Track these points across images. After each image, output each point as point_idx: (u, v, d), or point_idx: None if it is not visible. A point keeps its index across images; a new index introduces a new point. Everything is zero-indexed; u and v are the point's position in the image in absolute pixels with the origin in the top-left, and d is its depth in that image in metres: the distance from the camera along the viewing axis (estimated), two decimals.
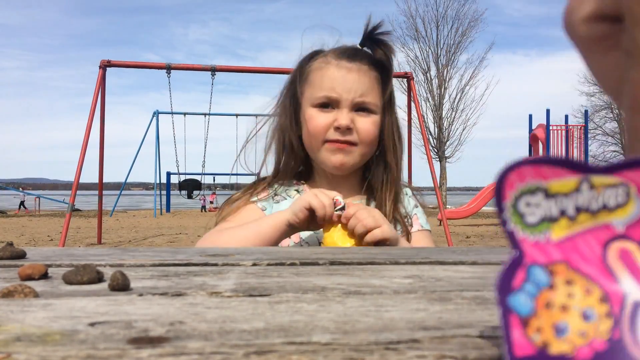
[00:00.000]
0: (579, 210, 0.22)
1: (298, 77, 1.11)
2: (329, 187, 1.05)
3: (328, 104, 1.07)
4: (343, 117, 1.05)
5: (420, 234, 1.11)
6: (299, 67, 1.13)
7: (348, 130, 1.05)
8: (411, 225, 1.11)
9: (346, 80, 1.05)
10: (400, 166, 1.14)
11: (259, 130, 1.17)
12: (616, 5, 0.28)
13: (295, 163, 1.13)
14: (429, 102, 26.19)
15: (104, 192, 8.98)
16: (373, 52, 1.12)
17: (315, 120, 1.06)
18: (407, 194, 1.18)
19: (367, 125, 1.07)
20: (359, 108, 1.07)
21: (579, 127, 15.38)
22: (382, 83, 1.10)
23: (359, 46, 1.13)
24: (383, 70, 1.11)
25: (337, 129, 1.05)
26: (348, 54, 1.09)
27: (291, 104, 1.12)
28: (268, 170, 1.15)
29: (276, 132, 1.14)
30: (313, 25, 1.18)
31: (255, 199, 1.11)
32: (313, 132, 1.07)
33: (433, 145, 25.06)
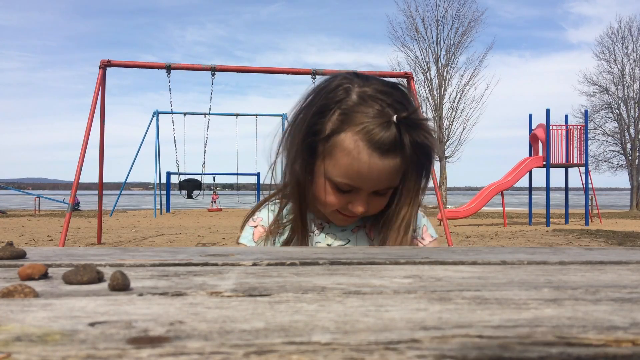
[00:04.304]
0: None
1: (318, 130, 0.95)
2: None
3: (347, 190, 0.97)
4: (358, 205, 0.97)
5: (433, 245, 1.09)
6: (323, 119, 0.94)
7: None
8: (423, 239, 1.08)
9: (372, 172, 0.93)
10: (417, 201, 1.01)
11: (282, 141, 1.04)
12: None
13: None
14: (429, 102, 26.21)
15: (104, 192, 8.98)
16: (411, 138, 0.91)
17: (329, 197, 0.97)
18: None
19: (379, 203, 0.99)
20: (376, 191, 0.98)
21: (579, 127, 15.37)
22: (412, 168, 0.97)
23: (394, 128, 0.91)
24: (418, 160, 0.95)
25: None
26: (384, 148, 0.91)
27: (305, 155, 0.97)
28: (277, 175, 1.06)
29: (288, 173, 1.01)
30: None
31: (252, 230, 1.07)
32: (323, 204, 0.99)
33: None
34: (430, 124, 0.94)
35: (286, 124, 1.05)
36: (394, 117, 0.90)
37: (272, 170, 1.05)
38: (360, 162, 0.91)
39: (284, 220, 1.05)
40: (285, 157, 1.02)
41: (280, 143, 1.03)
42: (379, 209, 1.00)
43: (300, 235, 1.02)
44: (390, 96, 0.93)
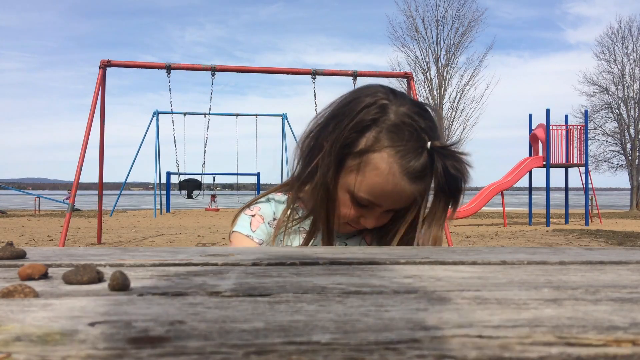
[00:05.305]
0: None
1: (349, 143, 0.94)
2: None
3: (365, 205, 0.97)
4: (371, 220, 0.98)
5: None
6: (360, 135, 0.94)
7: None
8: None
9: (395, 197, 0.94)
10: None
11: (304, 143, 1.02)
12: None
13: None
14: (429, 102, 26.21)
15: (104, 192, 8.98)
16: (443, 169, 0.92)
17: (345, 209, 0.98)
18: None
19: (387, 218, 1.00)
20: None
21: (579, 127, 15.38)
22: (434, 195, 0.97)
23: (427, 155, 0.92)
24: (447, 194, 0.96)
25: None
26: (414, 175, 0.92)
27: (334, 164, 0.96)
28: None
29: (317, 187, 0.98)
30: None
31: (249, 219, 1.04)
32: (337, 214, 0.99)
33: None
34: (467, 158, 0.94)
35: (310, 124, 1.03)
36: (428, 144, 0.92)
37: (291, 168, 1.04)
38: (389, 184, 0.92)
39: (297, 217, 1.03)
40: (306, 157, 1.00)
41: (302, 142, 1.02)
42: (386, 222, 1.00)
43: (326, 237, 1.01)
44: (424, 119, 0.95)
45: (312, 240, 1.02)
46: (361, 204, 0.96)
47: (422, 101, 1.02)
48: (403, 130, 0.92)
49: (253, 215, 1.05)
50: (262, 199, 1.09)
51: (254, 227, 1.03)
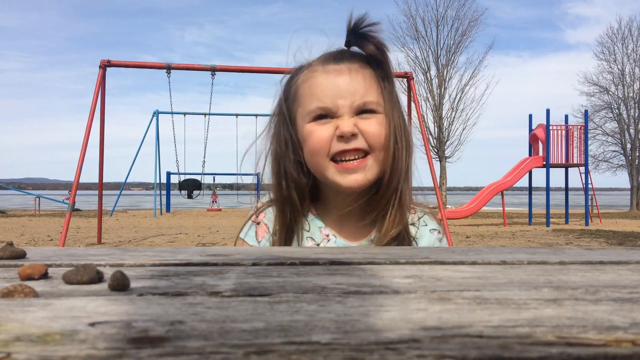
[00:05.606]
0: None
1: (285, 97, 1.01)
2: (342, 208, 0.98)
3: (325, 115, 0.95)
4: (344, 123, 0.93)
5: None
6: (286, 86, 1.03)
7: (353, 136, 0.93)
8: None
9: (337, 85, 0.94)
10: (409, 174, 0.99)
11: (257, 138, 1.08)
12: None
13: (298, 190, 0.99)
14: (429, 102, 26.22)
15: (104, 192, 8.98)
16: (362, 48, 0.98)
17: (315, 134, 0.95)
18: (425, 224, 1.04)
19: (372, 126, 0.94)
20: (361, 111, 0.95)
21: (579, 127, 15.38)
22: (381, 79, 0.97)
23: (345, 47, 1.01)
24: (378, 65, 0.97)
25: (341, 137, 0.93)
26: (334, 56, 0.98)
27: (283, 128, 1.00)
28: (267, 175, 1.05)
29: (272, 162, 1.02)
30: (299, 28, 1.08)
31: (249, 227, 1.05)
32: (315, 148, 0.95)
33: (433, 145, 25.07)
34: (377, 29, 0.98)
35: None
36: (344, 45, 1.01)
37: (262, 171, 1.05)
38: (317, 77, 0.97)
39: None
40: (270, 150, 1.03)
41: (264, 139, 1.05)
42: (376, 136, 0.94)
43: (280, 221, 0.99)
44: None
45: (295, 238, 1.00)
46: (322, 117, 0.95)
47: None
48: (320, 56, 1.01)
49: (258, 224, 1.04)
50: (267, 204, 1.07)
51: (259, 237, 1.03)
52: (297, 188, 0.99)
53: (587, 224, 14.85)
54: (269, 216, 1.04)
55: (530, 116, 15.69)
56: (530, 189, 15.99)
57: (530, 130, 15.48)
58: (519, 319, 0.31)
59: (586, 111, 17.35)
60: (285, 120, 1.00)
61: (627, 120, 28.12)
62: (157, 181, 19.79)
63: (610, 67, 28.57)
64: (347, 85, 0.94)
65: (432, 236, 1.03)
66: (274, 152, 1.02)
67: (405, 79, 8.60)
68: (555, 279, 0.46)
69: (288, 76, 1.05)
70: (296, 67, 1.04)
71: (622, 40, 28.32)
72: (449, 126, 26.02)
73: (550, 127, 14.65)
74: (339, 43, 1.03)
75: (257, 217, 1.05)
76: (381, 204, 0.97)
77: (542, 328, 0.29)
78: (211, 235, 10.55)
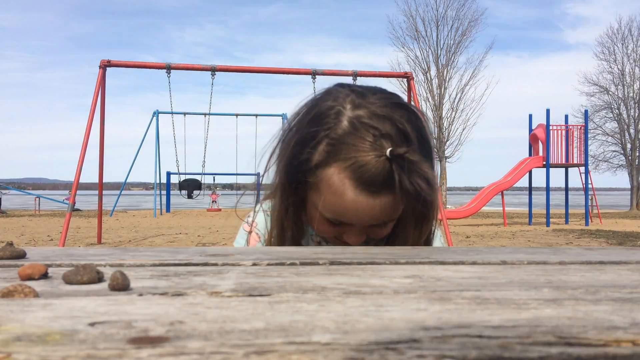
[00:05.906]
0: None
1: (305, 168, 0.84)
2: None
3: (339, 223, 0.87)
4: (352, 237, 0.88)
5: None
6: (304, 140, 0.85)
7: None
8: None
9: (360, 214, 0.83)
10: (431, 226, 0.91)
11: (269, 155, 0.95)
12: None
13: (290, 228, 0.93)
14: (429, 102, 26.24)
15: (104, 192, 8.98)
16: (401, 177, 0.78)
17: (321, 226, 0.88)
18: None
19: (381, 231, 0.89)
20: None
21: (579, 127, 15.38)
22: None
23: (387, 163, 0.79)
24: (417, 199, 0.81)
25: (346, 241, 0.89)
26: (372, 188, 0.80)
27: (290, 190, 0.89)
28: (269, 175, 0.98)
29: (273, 211, 0.94)
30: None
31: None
32: (316, 231, 0.91)
33: (433, 145, 25.06)
34: (428, 171, 0.80)
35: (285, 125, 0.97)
36: (387, 152, 0.78)
37: (263, 175, 0.97)
38: (346, 202, 0.81)
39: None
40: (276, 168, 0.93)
41: (272, 153, 0.94)
42: (383, 236, 0.90)
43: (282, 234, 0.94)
44: (387, 122, 0.81)
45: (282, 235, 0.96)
46: (334, 223, 0.87)
47: (406, 102, 0.89)
48: (357, 139, 0.80)
49: (250, 232, 1.03)
50: (259, 210, 1.04)
51: (250, 246, 1.02)
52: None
53: (587, 224, 14.85)
54: (260, 225, 1.03)
55: (530, 116, 15.69)
56: (530, 189, 16.00)
57: (530, 130, 15.48)
58: (519, 319, 0.31)
59: (586, 111, 17.36)
60: (295, 183, 0.88)
61: (627, 120, 28.13)
62: (157, 181, 19.80)
63: (610, 67, 28.60)
64: (371, 214, 0.83)
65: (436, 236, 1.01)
66: (275, 205, 0.93)
67: (405, 79, 8.60)
68: (555, 279, 0.46)
69: (311, 116, 0.86)
70: (334, 125, 0.83)
71: (622, 40, 28.35)
72: (449, 126, 26.04)
73: (550, 127, 14.66)
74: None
75: (249, 225, 1.04)
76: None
77: (542, 328, 0.29)
78: (211, 235, 10.55)
